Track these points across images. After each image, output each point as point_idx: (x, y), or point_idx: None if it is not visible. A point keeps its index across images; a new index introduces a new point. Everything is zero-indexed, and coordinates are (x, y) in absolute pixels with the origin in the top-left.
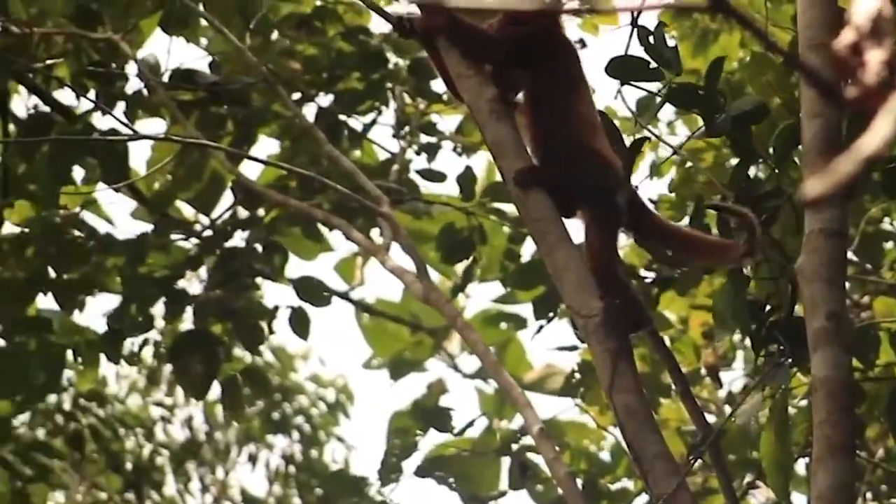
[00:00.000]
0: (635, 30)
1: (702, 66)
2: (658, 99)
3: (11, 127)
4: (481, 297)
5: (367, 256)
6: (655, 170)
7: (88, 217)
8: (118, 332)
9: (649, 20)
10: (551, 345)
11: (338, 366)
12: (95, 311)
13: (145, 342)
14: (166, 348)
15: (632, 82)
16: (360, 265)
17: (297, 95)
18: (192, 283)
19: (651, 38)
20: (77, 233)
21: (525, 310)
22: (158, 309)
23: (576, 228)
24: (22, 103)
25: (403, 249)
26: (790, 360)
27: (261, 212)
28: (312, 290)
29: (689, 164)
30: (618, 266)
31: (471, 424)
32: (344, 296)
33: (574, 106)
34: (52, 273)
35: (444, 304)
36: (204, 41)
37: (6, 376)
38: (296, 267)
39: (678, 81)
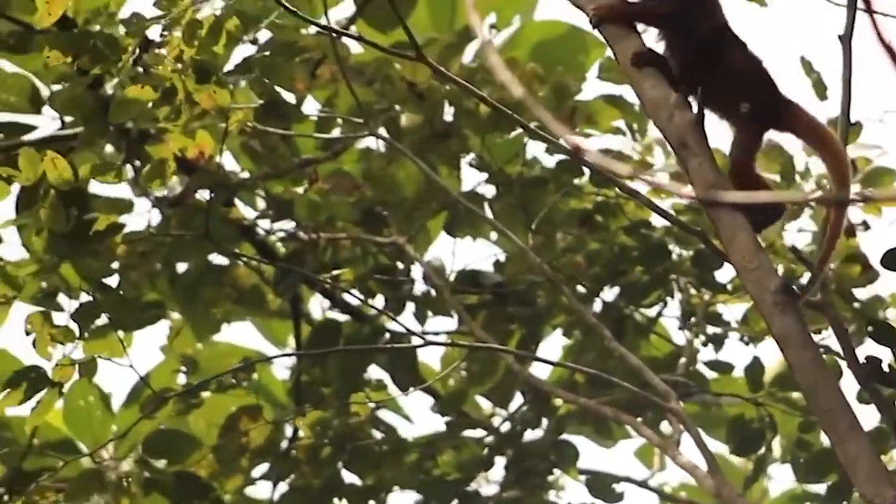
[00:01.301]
0: None
1: None
2: None
3: (305, 326)
4: (784, 477)
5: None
6: None
7: (384, 414)
8: None
9: None
10: None
11: None
12: None
13: None
14: None
15: None
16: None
17: (581, 288)
18: (483, 484)
19: None
20: (375, 431)
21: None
22: None
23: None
24: (317, 304)
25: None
26: None
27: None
28: (604, 487)
29: None
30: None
31: None
32: (643, 484)
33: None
34: (346, 478)
35: (736, 498)
36: (488, 239)
37: None
38: (595, 455)
39: None
